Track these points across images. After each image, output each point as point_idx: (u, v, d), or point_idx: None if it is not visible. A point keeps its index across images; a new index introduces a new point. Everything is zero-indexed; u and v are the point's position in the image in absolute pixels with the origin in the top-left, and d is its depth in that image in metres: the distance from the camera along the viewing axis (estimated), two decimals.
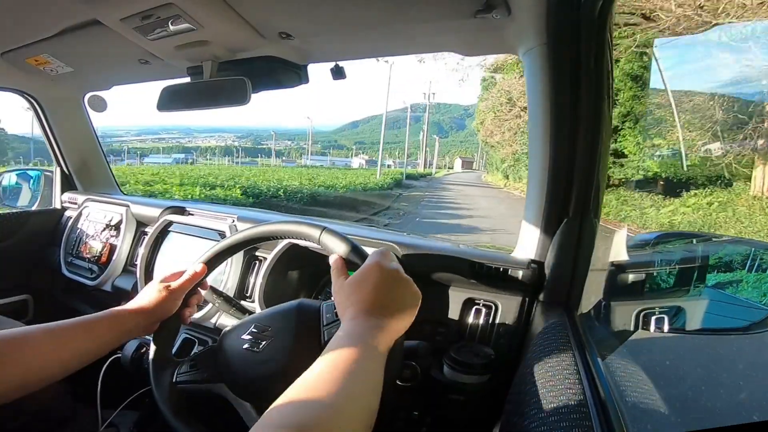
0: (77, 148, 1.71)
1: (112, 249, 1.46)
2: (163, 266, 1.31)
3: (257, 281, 1.10)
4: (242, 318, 0.80)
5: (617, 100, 12.27)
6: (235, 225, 1.21)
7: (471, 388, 0.78)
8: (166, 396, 0.71)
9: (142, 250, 1.34)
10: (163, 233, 1.36)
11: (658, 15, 7.52)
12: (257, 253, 1.17)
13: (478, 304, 0.91)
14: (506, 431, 0.64)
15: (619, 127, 12.22)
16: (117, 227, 1.49)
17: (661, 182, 10.91)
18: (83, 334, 0.67)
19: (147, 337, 0.77)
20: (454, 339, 0.90)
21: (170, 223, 1.35)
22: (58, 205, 1.74)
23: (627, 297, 0.93)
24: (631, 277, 0.94)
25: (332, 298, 0.65)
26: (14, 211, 1.68)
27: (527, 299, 0.88)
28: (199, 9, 0.81)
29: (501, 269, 0.88)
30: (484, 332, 0.89)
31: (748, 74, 8.19)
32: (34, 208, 1.79)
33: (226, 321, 1.08)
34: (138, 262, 1.33)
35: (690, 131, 8.72)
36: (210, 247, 0.81)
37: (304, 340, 0.68)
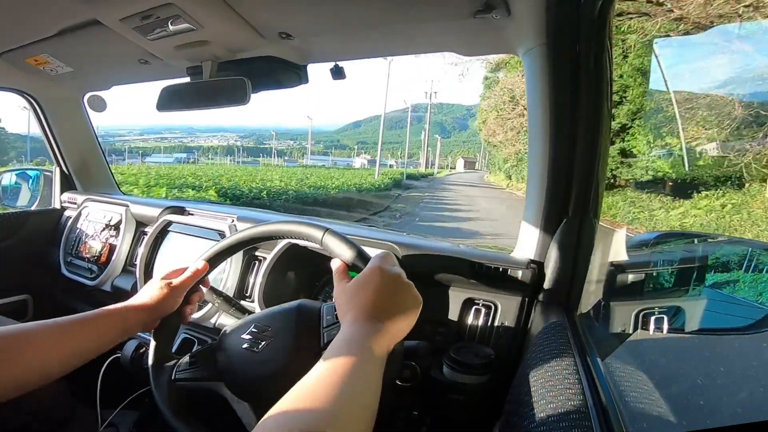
0: (77, 148, 1.71)
1: (112, 249, 1.46)
2: (162, 266, 1.30)
3: (257, 281, 1.10)
4: (242, 318, 0.80)
5: (626, 97, 11.91)
6: (234, 225, 1.21)
7: (471, 388, 0.78)
8: (165, 393, 0.71)
9: (141, 250, 1.34)
10: (162, 233, 1.36)
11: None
12: (257, 253, 1.17)
13: (478, 304, 0.91)
14: (506, 431, 0.64)
15: (628, 125, 11.90)
16: (116, 227, 1.48)
17: (670, 183, 10.54)
18: (83, 331, 0.67)
19: (147, 336, 0.77)
20: (453, 339, 0.90)
21: (170, 222, 1.35)
22: (57, 205, 1.74)
23: (626, 297, 0.93)
24: (630, 277, 0.94)
25: (333, 300, 0.65)
26: (14, 211, 1.68)
27: (527, 299, 0.88)
28: (199, 9, 0.81)
29: (501, 269, 0.88)
30: (483, 332, 0.89)
31: None
32: (33, 207, 1.79)
33: (226, 321, 1.08)
34: (137, 262, 1.33)
35: (706, 129, 8.28)
36: (212, 245, 0.81)
37: (304, 341, 0.68)
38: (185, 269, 0.78)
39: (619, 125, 12.10)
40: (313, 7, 0.83)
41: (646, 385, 0.74)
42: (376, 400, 0.47)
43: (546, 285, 0.86)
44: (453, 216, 12.27)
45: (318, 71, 1.17)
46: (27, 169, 1.90)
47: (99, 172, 1.78)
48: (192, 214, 1.36)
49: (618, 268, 0.93)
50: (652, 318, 0.87)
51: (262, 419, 0.41)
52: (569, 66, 0.76)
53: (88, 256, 1.50)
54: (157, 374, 0.73)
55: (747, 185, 8.37)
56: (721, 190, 8.89)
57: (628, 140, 11.94)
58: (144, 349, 0.90)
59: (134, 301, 0.73)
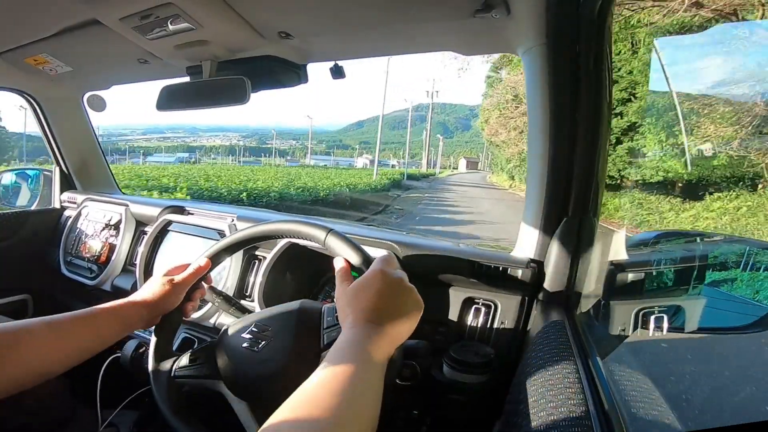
0: (76, 148, 1.71)
1: (112, 248, 1.46)
2: (162, 265, 1.30)
3: (257, 280, 1.10)
4: (242, 317, 0.80)
5: (635, 94, 11.57)
6: (234, 224, 1.21)
7: (471, 388, 0.78)
8: (164, 390, 0.71)
9: (141, 250, 1.34)
10: (162, 232, 1.36)
11: None
12: (257, 253, 1.17)
13: (478, 304, 0.91)
14: (506, 430, 0.64)
15: (638, 124, 11.44)
16: (116, 227, 1.48)
17: (680, 184, 10.14)
18: (84, 327, 0.66)
19: (147, 336, 0.77)
20: (453, 338, 0.90)
21: (169, 222, 1.35)
22: (57, 205, 1.74)
23: (626, 296, 0.93)
24: (630, 276, 0.94)
25: (333, 301, 0.65)
26: (13, 210, 1.68)
27: (527, 298, 0.88)
28: (199, 8, 0.81)
29: (500, 268, 0.88)
30: (483, 331, 0.89)
31: None
32: (33, 207, 1.79)
33: (226, 320, 1.08)
34: (137, 262, 1.33)
35: (724, 126, 7.79)
36: (213, 244, 0.81)
37: (304, 342, 0.68)
38: (187, 266, 0.78)
39: (628, 123, 11.73)
40: (313, 6, 0.83)
41: (646, 385, 0.74)
42: (377, 405, 0.47)
43: (546, 284, 0.86)
44: (452, 219, 11.81)
45: (319, 71, 1.19)
46: (26, 169, 1.90)
47: (99, 171, 1.78)
48: (192, 214, 1.36)
49: (618, 267, 0.93)
50: (652, 317, 0.87)
51: (262, 428, 0.41)
52: (569, 66, 0.76)
53: (88, 255, 1.50)
54: (157, 371, 0.73)
55: (762, 186, 7.98)
56: (734, 191, 8.43)
57: (637, 139, 11.52)
58: (144, 348, 0.90)
59: (136, 297, 0.73)
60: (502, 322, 0.88)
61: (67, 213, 1.70)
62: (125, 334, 0.72)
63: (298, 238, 0.76)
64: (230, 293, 1.11)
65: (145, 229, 1.45)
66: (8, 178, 1.82)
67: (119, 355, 0.92)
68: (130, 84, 1.47)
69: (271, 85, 1.06)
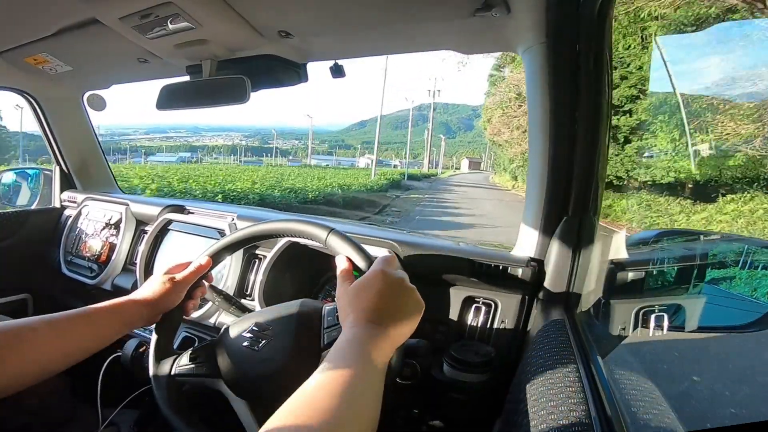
0: (76, 147, 1.71)
1: (112, 248, 1.46)
2: (162, 265, 1.30)
3: (257, 279, 1.10)
4: (242, 316, 0.80)
5: (646, 90, 11.22)
6: (234, 223, 1.21)
7: (471, 387, 0.78)
8: (164, 389, 0.71)
9: (141, 249, 1.34)
10: (162, 232, 1.36)
11: None
12: (257, 252, 1.17)
13: (478, 303, 0.91)
14: (506, 429, 0.64)
15: (649, 121, 10.88)
16: (116, 226, 1.48)
17: (690, 185, 9.52)
18: (84, 326, 0.66)
19: (147, 335, 0.77)
20: (454, 337, 0.90)
21: (170, 221, 1.35)
22: (57, 204, 1.74)
23: (626, 295, 0.93)
24: (630, 275, 0.94)
25: (334, 300, 0.65)
26: (13, 210, 1.68)
27: (527, 297, 0.88)
28: (198, 8, 0.81)
29: (501, 267, 0.88)
30: (483, 330, 0.89)
31: None
32: (33, 207, 1.79)
33: (226, 319, 1.08)
34: (138, 261, 1.34)
35: (745, 123, 7.18)
36: (214, 242, 0.81)
37: (304, 341, 0.68)
38: (188, 264, 0.78)
39: (637, 122, 11.35)
40: (313, 5, 0.83)
41: (646, 384, 0.74)
42: (377, 405, 0.47)
43: (546, 283, 0.86)
44: (452, 222, 11.32)
45: (320, 70, 1.20)
46: (27, 168, 1.90)
47: (99, 170, 1.78)
48: (192, 213, 1.36)
49: (618, 266, 0.93)
50: (652, 316, 0.87)
51: (262, 428, 0.41)
52: (569, 65, 0.76)
53: (88, 255, 1.50)
54: (157, 370, 0.73)
55: None
56: (748, 193, 7.85)
57: (646, 138, 11.05)
58: (144, 347, 0.90)
59: (136, 295, 0.73)
60: (502, 321, 0.88)
61: (67, 212, 1.70)
62: (125, 333, 0.72)
63: (299, 237, 0.76)
64: (231, 292, 1.11)
65: (146, 228, 1.45)
66: (8, 177, 1.83)
67: (120, 354, 0.92)
68: (131, 83, 1.47)
69: (271, 84, 1.06)
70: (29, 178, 1.84)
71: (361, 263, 0.66)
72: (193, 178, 10.83)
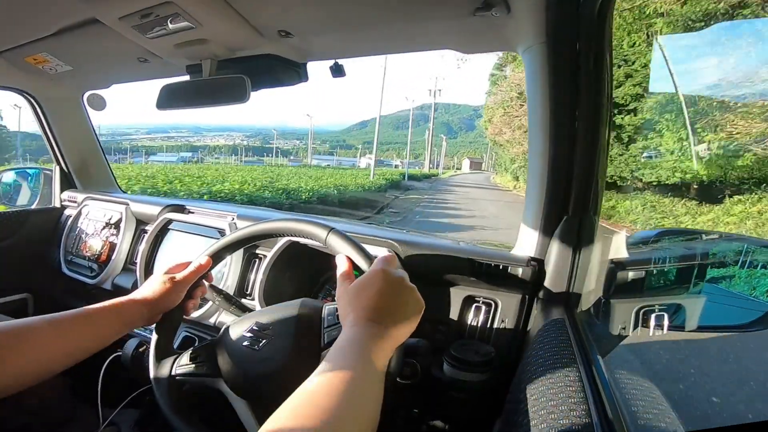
0: (76, 147, 1.71)
1: (112, 247, 1.46)
2: (163, 264, 1.30)
3: (257, 279, 1.10)
4: (242, 316, 0.80)
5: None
6: (234, 223, 1.21)
7: (471, 386, 0.78)
8: (165, 388, 0.71)
9: (142, 248, 1.34)
10: (162, 231, 1.36)
11: None
12: (257, 251, 1.17)
13: (478, 302, 0.91)
14: (506, 429, 0.64)
15: (654, 120, 10.39)
16: (117, 225, 1.49)
17: (695, 186, 9.20)
18: (85, 326, 0.66)
19: (147, 334, 0.77)
20: (454, 337, 0.90)
21: (170, 221, 1.35)
22: (57, 204, 1.74)
23: (626, 294, 0.93)
24: (630, 274, 0.94)
25: (334, 299, 0.65)
26: (14, 209, 1.68)
27: (527, 296, 0.88)
28: (198, 7, 0.81)
29: (501, 267, 0.88)
30: (484, 330, 0.89)
31: None
32: (33, 206, 1.79)
33: (226, 319, 1.08)
34: (138, 261, 1.34)
35: (757, 122, 7.00)
36: (214, 242, 0.81)
37: (304, 341, 0.68)
38: (188, 264, 0.78)
39: (642, 120, 11.06)
40: (313, 5, 0.83)
41: (647, 383, 0.74)
42: (377, 404, 0.47)
43: (546, 282, 0.86)
44: (451, 224, 10.86)
45: (321, 70, 1.19)
46: (27, 168, 1.90)
47: (99, 170, 1.78)
48: (192, 212, 1.36)
49: (618, 265, 0.93)
50: (653, 315, 0.87)
51: (262, 427, 0.41)
52: (569, 65, 0.76)
53: (88, 254, 1.50)
54: (157, 369, 0.73)
55: None
56: (756, 194, 7.53)
57: (651, 138, 10.53)
58: (145, 347, 0.90)
59: (136, 294, 0.73)
60: (502, 321, 0.88)
61: (67, 212, 1.70)
62: (126, 333, 0.72)
63: (299, 236, 0.76)
64: (231, 292, 1.11)
65: (146, 227, 1.45)
66: (9, 176, 1.83)
67: (120, 353, 0.92)
68: (131, 83, 1.47)
69: (271, 83, 1.06)
70: (29, 178, 1.84)
71: (361, 262, 0.66)
72: (179, 179, 10.48)
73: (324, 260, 1.06)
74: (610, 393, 0.53)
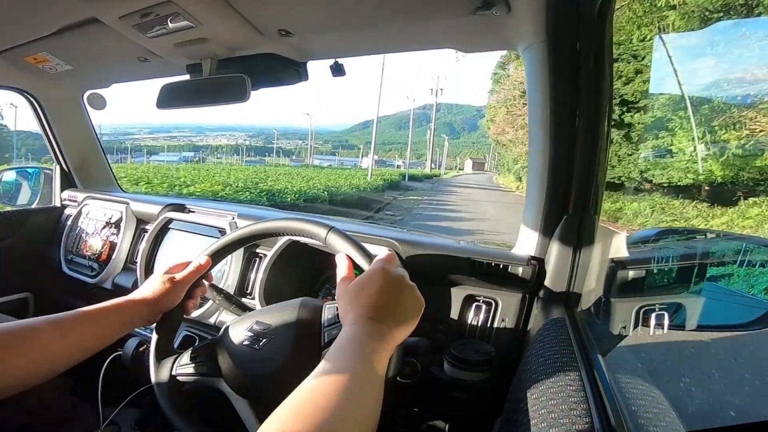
0: (77, 146, 1.71)
1: (112, 247, 1.46)
2: (163, 263, 1.30)
3: (257, 278, 1.10)
4: (242, 315, 0.80)
5: None
6: (235, 222, 1.21)
7: (471, 385, 0.78)
8: (165, 388, 0.71)
9: (142, 248, 1.34)
10: (163, 230, 1.36)
11: None
12: (257, 250, 1.17)
13: (479, 301, 0.91)
14: (506, 428, 0.64)
15: (666, 118, 9.78)
16: (117, 225, 1.49)
17: (707, 187, 8.92)
18: (87, 325, 0.66)
19: (148, 333, 0.77)
20: (454, 336, 0.90)
21: (170, 220, 1.35)
22: (57, 203, 1.74)
23: (627, 293, 0.93)
24: (630, 273, 0.94)
25: (334, 298, 0.65)
26: (14, 209, 1.68)
27: (527, 296, 0.88)
28: (198, 7, 0.81)
29: (501, 266, 0.88)
30: (484, 329, 0.89)
31: None
32: (33, 206, 1.79)
33: (227, 318, 1.08)
34: (138, 260, 1.34)
35: None
36: (214, 241, 0.81)
37: (304, 340, 0.68)
38: (188, 264, 0.78)
39: (653, 119, 10.50)
40: (313, 4, 0.83)
41: (647, 382, 0.74)
42: (377, 403, 0.47)
43: (546, 282, 0.86)
44: (450, 227, 10.33)
45: (322, 70, 1.18)
46: (27, 167, 1.90)
47: (99, 169, 1.78)
48: (192, 212, 1.36)
49: (618, 264, 0.93)
50: (653, 314, 0.87)
51: (262, 426, 0.41)
52: (569, 64, 0.76)
53: (88, 254, 1.50)
54: (158, 369, 0.73)
55: None
56: None
57: (662, 137, 9.96)
58: (145, 346, 0.90)
59: (136, 295, 0.73)
60: (502, 320, 0.88)
61: (67, 211, 1.70)
62: (126, 332, 0.72)
63: (299, 235, 0.76)
64: (231, 291, 1.11)
65: (146, 227, 1.45)
66: (9, 176, 1.83)
67: (120, 353, 0.92)
68: (132, 82, 1.47)
69: (271, 82, 1.06)
70: (29, 177, 1.84)
71: (361, 261, 0.66)
72: (144, 179, 10.04)
73: (324, 259, 1.06)
74: (610, 392, 0.53)
